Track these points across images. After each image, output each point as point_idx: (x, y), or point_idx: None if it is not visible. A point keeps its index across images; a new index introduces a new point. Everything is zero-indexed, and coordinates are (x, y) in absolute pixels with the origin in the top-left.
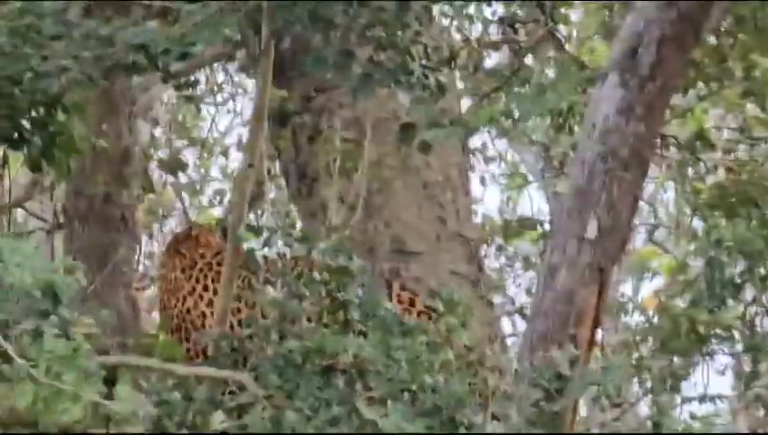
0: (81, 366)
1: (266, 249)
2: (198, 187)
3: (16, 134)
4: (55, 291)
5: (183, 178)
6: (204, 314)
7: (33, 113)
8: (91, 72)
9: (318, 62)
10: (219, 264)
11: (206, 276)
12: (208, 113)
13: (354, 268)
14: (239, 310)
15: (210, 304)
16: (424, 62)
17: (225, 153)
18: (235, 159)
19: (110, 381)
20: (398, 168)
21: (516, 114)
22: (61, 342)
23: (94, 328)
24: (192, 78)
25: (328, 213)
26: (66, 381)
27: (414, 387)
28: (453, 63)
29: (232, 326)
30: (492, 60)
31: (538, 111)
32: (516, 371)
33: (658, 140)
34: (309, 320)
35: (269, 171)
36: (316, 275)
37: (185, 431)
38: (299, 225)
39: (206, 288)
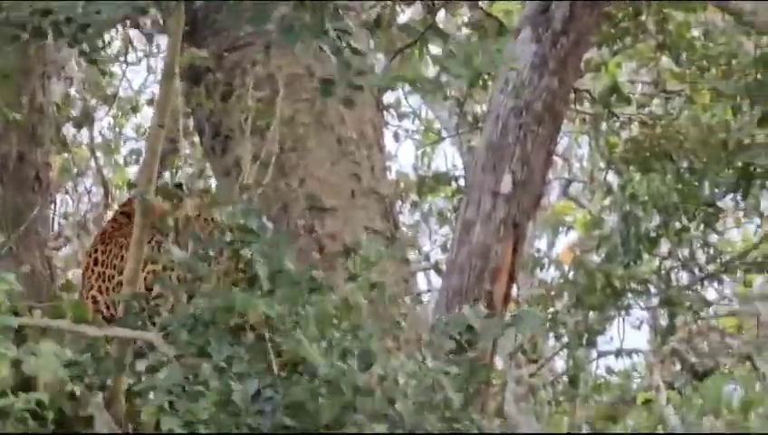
0: (2, 324)
1: None
2: (113, 145)
3: None
4: None
5: (98, 138)
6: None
7: None
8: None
9: (233, 16)
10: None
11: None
12: (122, 72)
13: (258, 227)
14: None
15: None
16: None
17: (135, 110)
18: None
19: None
20: (311, 125)
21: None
22: None
23: (15, 284)
24: (102, 40)
25: (242, 171)
26: None
27: (324, 343)
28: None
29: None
30: (405, 15)
31: (469, 76)
32: (432, 324)
33: (572, 95)
34: (218, 280)
35: (183, 129)
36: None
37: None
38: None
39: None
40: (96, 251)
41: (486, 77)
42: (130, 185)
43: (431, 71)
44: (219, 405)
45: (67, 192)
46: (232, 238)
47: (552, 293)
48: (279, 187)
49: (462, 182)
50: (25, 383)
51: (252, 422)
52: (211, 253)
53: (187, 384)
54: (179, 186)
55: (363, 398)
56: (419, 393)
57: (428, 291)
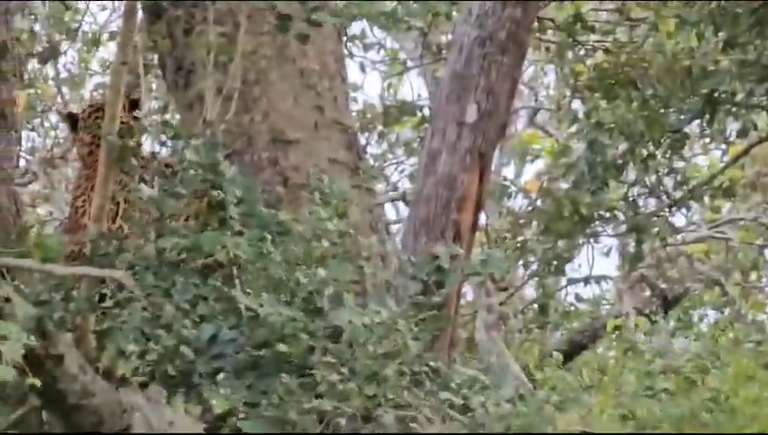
0: None
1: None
2: (78, 80)
3: None
4: None
5: (63, 73)
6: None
7: None
8: None
9: None
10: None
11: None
12: (89, 10)
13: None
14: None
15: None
16: None
17: (97, 44)
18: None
19: None
20: (273, 58)
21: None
22: None
23: None
24: None
25: (204, 105)
26: None
27: (291, 283)
28: None
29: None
30: None
31: (424, 13)
32: (399, 262)
33: (536, 24)
34: (187, 219)
35: (146, 64)
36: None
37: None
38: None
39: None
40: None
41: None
42: (71, 117)
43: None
44: (172, 351)
45: (33, 129)
46: (202, 177)
47: (521, 221)
48: (242, 120)
49: (428, 112)
50: None
51: (205, 368)
52: (181, 191)
53: (149, 328)
54: (136, 102)
55: (321, 343)
56: (379, 339)
57: (397, 221)
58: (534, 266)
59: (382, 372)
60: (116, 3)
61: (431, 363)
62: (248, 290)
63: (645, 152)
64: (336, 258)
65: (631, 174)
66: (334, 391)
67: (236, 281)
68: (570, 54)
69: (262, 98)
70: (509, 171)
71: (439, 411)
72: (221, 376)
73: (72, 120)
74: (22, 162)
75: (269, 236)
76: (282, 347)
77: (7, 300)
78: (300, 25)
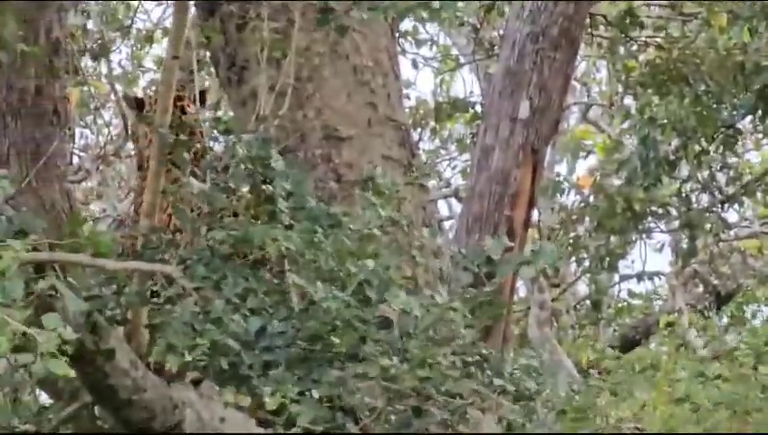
0: (9, 291)
1: None
2: (131, 77)
3: None
4: None
5: (116, 70)
6: None
7: None
8: None
9: None
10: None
11: None
12: (141, 6)
13: (277, 160)
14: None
15: None
16: None
17: (151, 41)
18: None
19: (40, 277)
20: (327, 54)
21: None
22: None
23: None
24: None
25: (258, 101)
26: None
27: (342, 274)
28: None
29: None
30: None
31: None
32: (450, 255)
33: (588, 20)
34: (236, 214)
35: (198, 60)
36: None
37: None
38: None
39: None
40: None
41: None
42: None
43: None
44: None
45: (86, 125)
46: (252, 171)
47: (573, 217)
48: (295, 117)
49: (480, 108)
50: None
51: (253, 360)
52: (231, 185)
53: (199, 323)
54: (203, 93)
55: (373, 332)
56: (431, 327)
57: (449, 218)
58: (587, 263)
59: (434, 360)
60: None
61: (484, 352)
62: (298, 280)
63: (697, 148)
64: (387, 250)
65: (684, 170)
66: (386, 375)
67: (287, 273)
68: (622, 50)
69: (315, 94)
70: (561, 168)
71: (494, 402)
72: (272, 370)
73: (138, 105)
74: (75, 159)
75: (319, 229)
76: (333, 338)
77: (56, 293)
78: (344, 18)
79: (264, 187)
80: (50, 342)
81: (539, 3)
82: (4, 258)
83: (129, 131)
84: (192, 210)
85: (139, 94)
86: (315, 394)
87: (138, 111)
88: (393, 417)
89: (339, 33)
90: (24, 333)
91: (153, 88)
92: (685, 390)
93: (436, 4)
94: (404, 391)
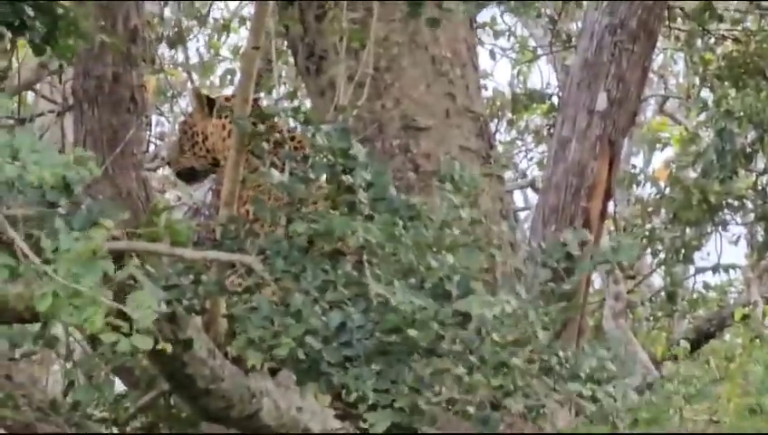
0: (100, 270)
1: None
2: (208, 66)
3: (18, 20)
4: (68, 183)
5: (194, 58)
6: None
7: None
8: None
9: None
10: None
11: None
12: None
13: (358, 150)
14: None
15: None
16: None
17: (227, 29)
18: (245, 38)
19: (118, 266)
20: (405, 44)
21: None
22: (79, 242)
23: (114, 229)
24: None
25: (336, 91)
26: (84, 284)
27: (422, 268)
28: None
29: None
30: None
31: None
32: (528, 250)
33: (666, 12)
34: (314, 203)
35: (277, 49)
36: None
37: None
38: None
39: None
40: None
41: None
42: (210, 103)
43: None
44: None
45: (161, 114)
46: (332, 162)
47: (649, 209)
48: (374, 107)
49: (557, 100)
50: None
51: (333, 356)
52: (311, 175)
53: (278, 317)
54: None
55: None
56: (508, 328)
57: (525, 208)
58: (662, 255)
59: (511, 361)
60: None
61: (560, 353)
62: (377, 272)
63: None
64: (467, 246)
65: (760, 163)
66: (462, 383)
67: (366, 266)
68: (699, 43)
69: (393, 85)
70: (638, 160)
71: (568, 401)
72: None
73: (209, 104)
74: (151, 147)
75: (400, 221)
76: (412, 332)
77: (135, 282)
78: (431, 10)
79: (343, 177)
80: (145, 318)
81: None
82: (95, 238)
83: (188, 127)
84: (270, 198)
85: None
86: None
87: (201, 110)
88: (470, 409)
89: (430, 26)
90: (113, 313)
91: (229, 77)
92: (757, 397)
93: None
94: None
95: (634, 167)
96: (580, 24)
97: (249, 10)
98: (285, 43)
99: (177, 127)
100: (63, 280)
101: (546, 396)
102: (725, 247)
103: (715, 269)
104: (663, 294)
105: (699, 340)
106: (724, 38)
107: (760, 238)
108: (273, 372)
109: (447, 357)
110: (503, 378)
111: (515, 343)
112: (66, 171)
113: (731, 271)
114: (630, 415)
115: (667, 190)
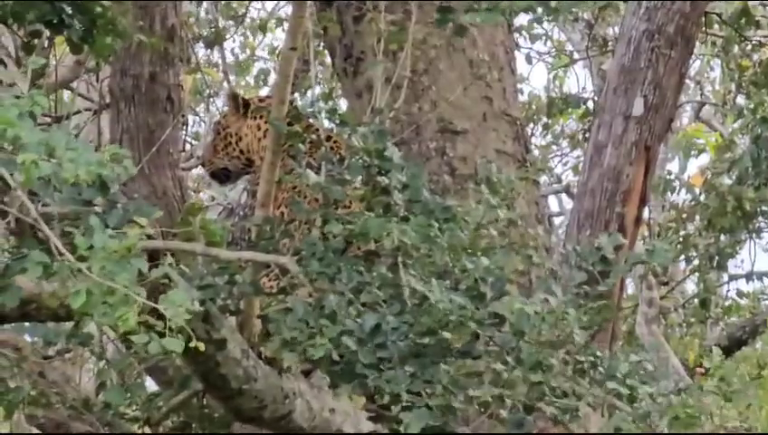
0: (134, 268)
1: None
2: (244, 66)
3: (57, 18)
4: (103, 181)
5: (229, 58)
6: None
7: None
8: None
9: None
10: None
11: None
12: None
13: (393, 152)
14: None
15: None
16: None
17: (263, 30)
18: (282, 39)
19: (153, 265)
20: (443, 47)
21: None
22: (114, 240)
23: (149, 228)
24: None
25: (373, 93)
26: (118, 281)
27: (457, 270)
28: None
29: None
30: None
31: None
32: (562, 252)
33: (703, 18)
34: (349, 205)
35: (314, 51)
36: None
37: (227, 315)
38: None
39: None
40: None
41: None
42: (245, 104)
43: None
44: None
45: (197, 114)
46: (367, 163)
47: (684, 215)
48: (411, 109)
49: (593, 105)
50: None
51: (367, 358)
52: (347, 176)
53: (313, 318)
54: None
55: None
56: (546, 328)
57: (560, 214)
58: (696, 261)
59: (547, 361)
60: None
61: (597, 353)
62: (413, 273)
63: None
64: (503, 248)
65: None
66: (499, 380)
67: (401, 267)
68: (736, 49)
69: (431, 87)
70: (673, 165)
71: (604, 401)
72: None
73: (244, 105)
74: (187, 147)
75: (435, 223)
76: (446, 334)
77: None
78: (462, 17)
79: (379, 178)
80: (178, 316)
81: (655, 0)
82: (130, 236)
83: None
84: (305, 198)
85: (251, 83)
86: (427, 394)
87: (237, 111)
88: (503, 412)
89: (458, 34)
90: (146, 312)
91: (264, 77)
92: None
93: (554, 3)
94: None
95: (669, 173)
96: (617, 29)
97: (286, 11)
98: (322, 44)
99: (211, 127)
100: (97, 277)
101: (581, 398)
102: (759, 255)
103: (748, 277)
104: (696, 300)
105: (731, 347)
106: (761, 45)
107: None
108: (307, 374)
109: (483, 358)
110: (541, 375)
111: (551, 344)
112: (101, 169)
113: (764, 278)
114: (668, 415)
115: (702, 197)
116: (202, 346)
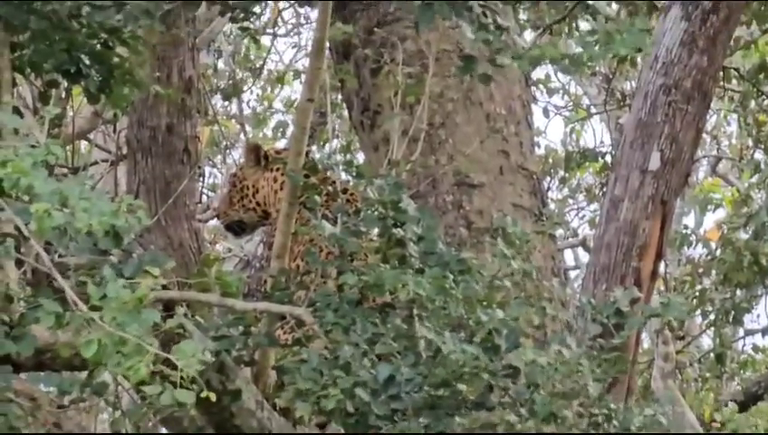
0: (146, 319)
1: None
2: (261, 118)
3: (74, 67)
4: (117, 232)
5: (246, 110)
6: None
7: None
8: (149, 6)
9: None
10: None
11: None
12: (274, 47)
13: (408, 204)
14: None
15: None
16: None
17: (282, 82)
18: (299, 91)
19: (168, 315)
20: (460, 101)
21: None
22: (126, 290)
23: (165, 279)
24: (253, 9)
25: (390, 146)
26: (130, 332)
27: (471, 322)
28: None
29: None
30: None
31: (605, 56)
32: (577, 305)
33: (721, 73)
34: (364, 257)
35: (331, 103)
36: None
37: (242, 366)
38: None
39: None
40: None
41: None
42: (267, 157)
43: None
44: (349, 392)
45: (214, 165)
46: (383, 215)
47: (700, 270)
48: (427, 162)
49: (610, 159)
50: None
51: (381, 409)
52: (362, 228)
53: (327, 368)
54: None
55: (501, 382)
56: (560, 380)
57: (576, 267)
58: (712, 316)
59: (561, 413)
60: (303, 41)
61: (611, 406)
62: (427, 325)
63: None
64: (517, 300)
65: None
66: (513, 431)
67: (416, 319)
68: (753, 104)
69: (447, 141)
70: (689, 220)
71: None
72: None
73: (264, 157)
74: (203, 198)
75: (450, 275)
76: (461, 386)
77: (184, 332)
78: (484, 66)
79: (394, 230)
80: (190, 367)
81: (673, 54)
82: (141, 286)
83: (237, 180)
84: (321, 250)
85: (269, 135)
86: None
87: (255, 163)
88: None
89: (482, 82)
90: (160, 362)
91: (281, 130)
92: None
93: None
94: None
95: (686, 227)
96: (634, 84)
97: (304, 63)
98: (339, 96)
99: (227, 179)
100: (109, 327)
101: None
102: None
103: (764, 332)
104: (712, 355)
105: (747, 402)
106: None
107: None
108: (321, 427)
109: (497, 409)
110: (555, 427)
111: (565, 395)
112: (114, 220)
113: None
114: None
115: (718, 252)
116: (213, 396)
